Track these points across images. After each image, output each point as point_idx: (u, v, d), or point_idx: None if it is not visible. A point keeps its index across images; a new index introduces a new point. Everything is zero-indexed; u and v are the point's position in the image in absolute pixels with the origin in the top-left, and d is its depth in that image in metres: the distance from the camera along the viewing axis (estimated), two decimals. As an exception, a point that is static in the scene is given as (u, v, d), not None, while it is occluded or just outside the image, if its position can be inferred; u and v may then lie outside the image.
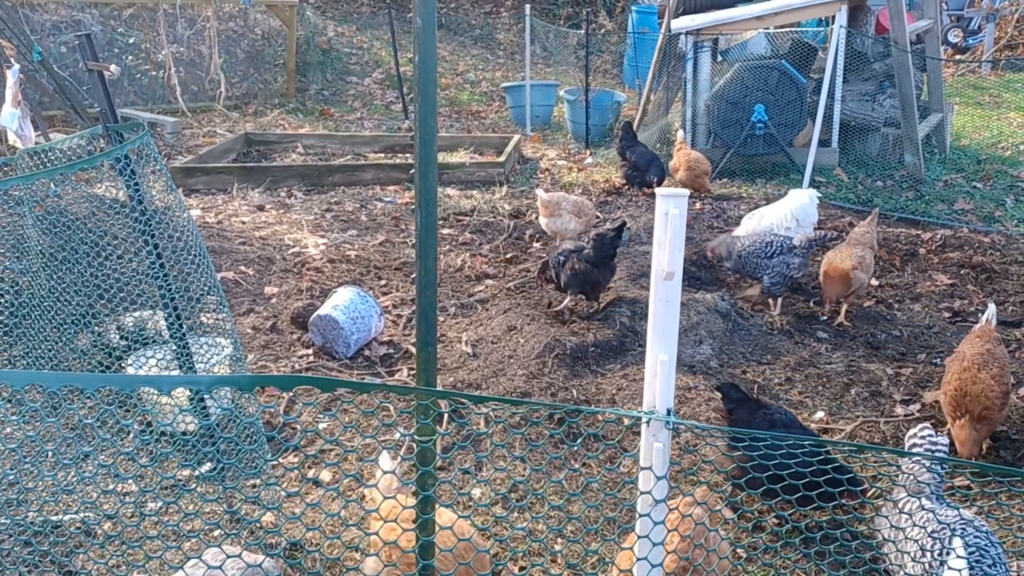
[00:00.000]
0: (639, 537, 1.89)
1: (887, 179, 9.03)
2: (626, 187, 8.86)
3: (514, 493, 3.95)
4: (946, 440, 3.13)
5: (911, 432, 3.29)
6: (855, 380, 5.04)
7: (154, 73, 12.51)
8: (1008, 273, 6.58)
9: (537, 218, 7.46)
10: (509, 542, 3.59)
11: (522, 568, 3.46)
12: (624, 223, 6.00)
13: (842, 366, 5.19)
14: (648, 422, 1.87)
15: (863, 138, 9.52)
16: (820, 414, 4.67)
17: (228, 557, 2.15)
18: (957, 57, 16.26)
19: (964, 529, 2.78)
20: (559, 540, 3.64)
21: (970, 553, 2.67)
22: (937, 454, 3.09)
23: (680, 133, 8.87)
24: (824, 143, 9.04)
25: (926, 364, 5.24)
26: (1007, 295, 6.21)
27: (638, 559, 1.90)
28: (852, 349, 5.44)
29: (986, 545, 2.73)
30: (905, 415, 4.66)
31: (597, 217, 7.32)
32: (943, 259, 6.89)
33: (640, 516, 1.89)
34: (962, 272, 6.64)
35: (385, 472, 2.96)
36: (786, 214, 6.39)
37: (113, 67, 3.49)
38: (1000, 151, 10.41)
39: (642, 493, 1.89)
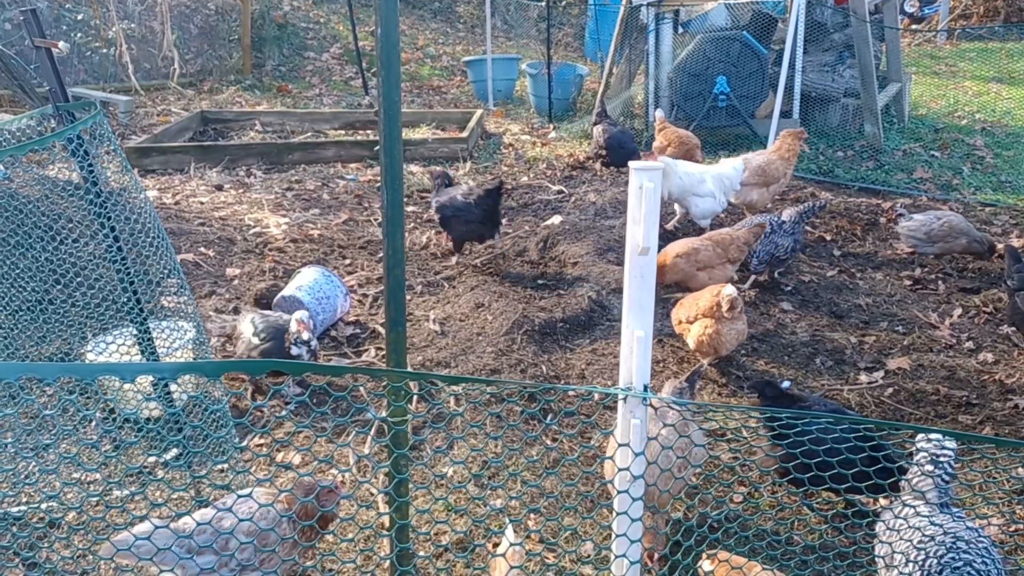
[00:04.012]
0: (617, 514, 1.88)
1: (847, 149, 9.12)
2: (590, 161, 8.82)
3: (487, 471, 3.93)
4: (953, 444, 2.89)
5: (919, 437, 2.97)
6: (819, 349, 5.10)
7: (105, 51, 12.14)
8: (966, 240, 6.69)
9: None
10: (484, 521, 3.58)
11: (496, 545, 3.45)
12: (501, 182, 6.13)
13: (807, 336, 5.25)
14: (625, 399, 1.85)
15: (823, 109, 9.58)
16: (786, 383, 4.72)
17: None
18: (914, 27, 16.42)
19: (954, 543, 2.60)
20: (533, 517, 3.65)
21: (955, 570, 2.54)
22: (943, 459, 2.85)
23: (659, 112, 8.76)
24: (785, 114, 9.08)
25: (888, 332, 5.32)
26: (966, 262, 6.31)
27: (616, 536, 1.89)
28: (816, 319, 5.50)
29: (978, 563, 2.57)
30: (869, 382, 4.73)
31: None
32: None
33: (618, 493, 1.88)
34: (922, 240, 6.73)
35: (512, 544, 2.85)
36: (716, 183, 6.53)
37: (61, 44, 3.36)
38: (956, 120, 10.57)
39: (620, 470, 1.88)
